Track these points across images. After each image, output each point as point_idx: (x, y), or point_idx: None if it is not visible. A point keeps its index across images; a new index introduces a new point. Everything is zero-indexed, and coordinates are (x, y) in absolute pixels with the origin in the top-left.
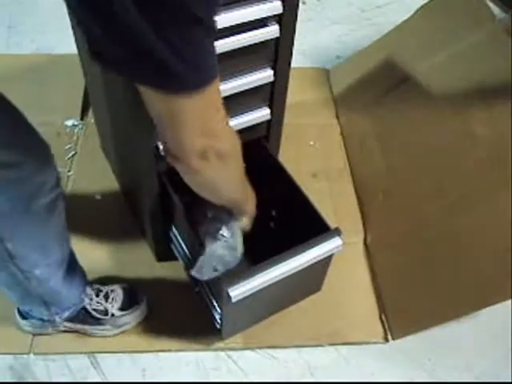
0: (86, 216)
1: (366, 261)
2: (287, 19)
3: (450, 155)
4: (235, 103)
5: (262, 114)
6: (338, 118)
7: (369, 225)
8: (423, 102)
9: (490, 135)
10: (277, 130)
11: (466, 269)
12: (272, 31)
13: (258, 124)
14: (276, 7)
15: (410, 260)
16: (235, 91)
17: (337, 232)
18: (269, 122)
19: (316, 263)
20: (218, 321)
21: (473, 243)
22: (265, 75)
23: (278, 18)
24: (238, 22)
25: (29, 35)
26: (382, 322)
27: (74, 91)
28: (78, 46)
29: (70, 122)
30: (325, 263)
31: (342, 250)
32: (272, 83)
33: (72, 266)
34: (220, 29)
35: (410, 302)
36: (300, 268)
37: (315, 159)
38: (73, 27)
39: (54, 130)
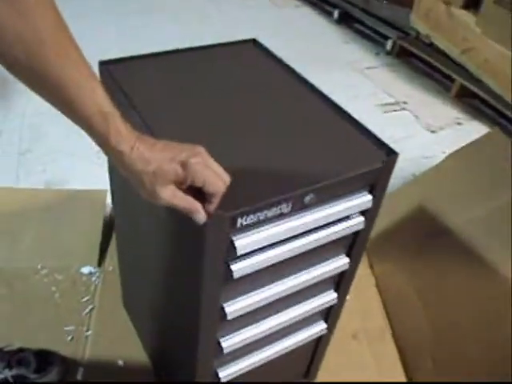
0: None
1: None
2: (373, 211)
3: (497, 317)
4: (308, 289)
5: (330, 298)
6: (371, 267)
7: None
8: (463, 256)
9: None
10: (337, 311)
11: None
12: (357, 224)
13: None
14: (366, 202)
15: None
16: (310, 283)
17: None
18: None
19: None
20: None
21: None
22: (340, 264)
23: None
24: (327, 221)
25: (39, 164)
26: None
27: (90, 232)
28: (111, 187)
29: (86, 270)
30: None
31: None
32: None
33: None
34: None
35: None
36: None
37: (353, 317)
38: (109, 168)
39: (70, 278)
